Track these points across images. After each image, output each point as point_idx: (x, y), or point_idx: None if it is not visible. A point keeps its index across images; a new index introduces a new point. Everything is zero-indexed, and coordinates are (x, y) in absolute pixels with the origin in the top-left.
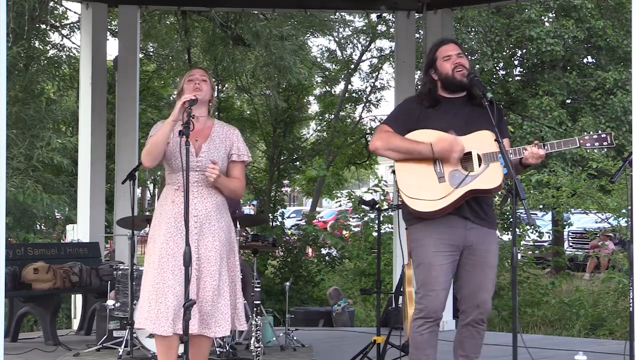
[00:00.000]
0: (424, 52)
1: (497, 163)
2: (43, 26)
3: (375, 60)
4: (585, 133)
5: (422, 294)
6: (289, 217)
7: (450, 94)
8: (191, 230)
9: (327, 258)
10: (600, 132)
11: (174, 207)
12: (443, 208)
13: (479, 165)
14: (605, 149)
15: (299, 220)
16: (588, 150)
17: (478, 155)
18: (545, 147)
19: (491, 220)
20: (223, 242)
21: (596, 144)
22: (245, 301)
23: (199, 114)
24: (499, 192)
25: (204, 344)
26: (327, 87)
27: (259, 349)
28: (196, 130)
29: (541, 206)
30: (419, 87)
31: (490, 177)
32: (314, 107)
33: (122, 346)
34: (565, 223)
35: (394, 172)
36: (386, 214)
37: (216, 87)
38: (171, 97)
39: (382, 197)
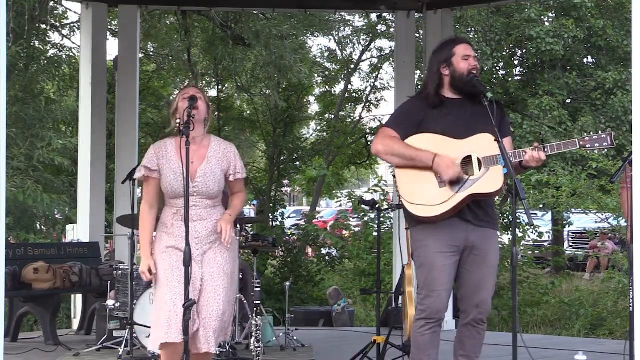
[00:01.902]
0: (424, 51)
1: (498, 167)
2: (43, 26)
3: (375, 60)
4: (585, 134)
5: (424, 294)
6: (289, 217)
7: (454, 94)
8: (193, 252)
9: (327, 258)
10: (600, 132)
11: (174, 230)
12: (443, 213)
13: (479, 169)
14: (606, 151)
15: (298, 220)
16: (588, 150)
17: (478, 159)
18: (545, 150)
19: (492, 220)
20: (227, 260)
21: (596, 145)
22: (245, 301)
23: (196, 134)
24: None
25: (207, 358)
26: (327, 87)
27: (259, 349)
28: (192, 151)
29: (541, 206)
30: (423, 82)
31: (490, 180)
32: (314, 107)
33: (122, 346)
34: (565, 223)
35: (394, 176)
36: (386, 214)
37: (216, 86)
38: (170, 114)
39: (382, 197)
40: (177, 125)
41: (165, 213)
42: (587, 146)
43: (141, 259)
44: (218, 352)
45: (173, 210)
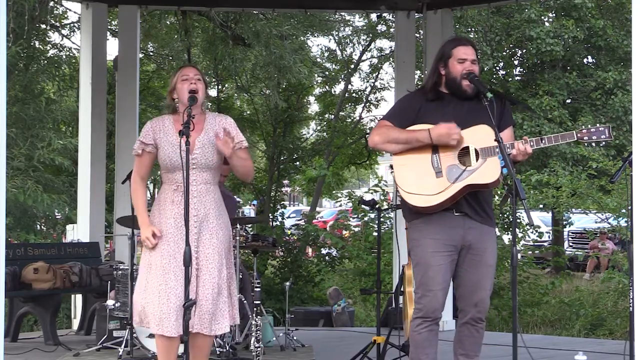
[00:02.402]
0: (424, 51)
1: (495, 157)
2: (43, 26)
3: (375, 60)
4: (583, 127)
5: (420, 294)
6: (289, 217)
7: (455, 95)
8: (191, 230)
9: (327, 258)
10: (598, 125)
11: (174, 207)
12: (440, 203)
13: (477, 159)
14: (604, 143)
15: (298, 220)
16: (587, 147)
17: (475, 149)
18: (543, 142)
19: (490, 217)
20: (222, 239)
21: (594, 137)
22: (245, 300)
23: (194, 113)
24: (499, 192)
25: (205, 343)
26: (327, 87)
27: (259, 349)
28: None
29: (541, 206)
30: (424, 79)
31: (487, 171)
32: (314, 107)
33: (122, 346)
34: (565, 223)
35: (391, 166)
36: (386, 214)
37: (216, 86)
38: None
39: (382, 197)
40: (174, 103)
41: (164, 190)
42: (585, 138)
43: (141, 227)
44: (218, 352)
45: (173, 187)
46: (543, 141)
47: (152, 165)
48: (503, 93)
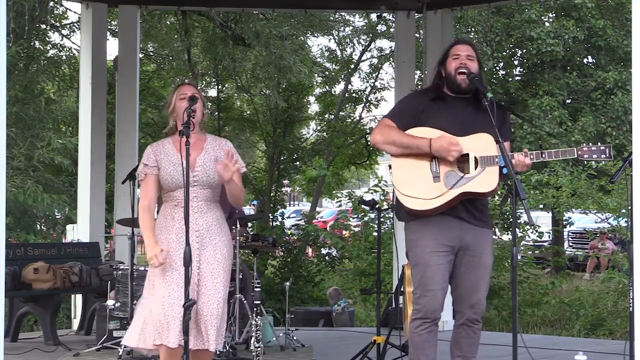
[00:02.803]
0: (424, 51)
1: (493, 167)
2: (43, 26)
3: (375, 60)
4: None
5: (419, 294)
6: (289, 217)
7: (455, 93)
8: (193, 245)
9: (327, 258)
10: (599, 144)
11: (175, 222)
12: (435, 208)
13: (475, 168)
14: (603, 162)
15: (298, 220)
16: (586, 160)
17: (475, 157)
18: (543, 156)
19: (486, 220)
20: (225, 255)
21: (594, 156)
22: (245, 300)
23: (192, 132)
24: (499, 192)
25: (207, 357)
26: (327, 87)
27: (259, 349)
28: (189, 144)
29: (541, 206)
30: (424, 79)
31: (485, 180)
32: (314, 107)
33: (122, 346)
34: (565, 223)
35: (390, 167)
36: (386, 214)
37: (216, 86)
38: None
39: (382, 197)
40: (175, 124)
41: (165, 208)
42: (585, 156)
43: (147, 247)
44: (218, 352)
45: (173, 203)
46: (543, 155)
47: (157, 189)
48: (503, 105)
